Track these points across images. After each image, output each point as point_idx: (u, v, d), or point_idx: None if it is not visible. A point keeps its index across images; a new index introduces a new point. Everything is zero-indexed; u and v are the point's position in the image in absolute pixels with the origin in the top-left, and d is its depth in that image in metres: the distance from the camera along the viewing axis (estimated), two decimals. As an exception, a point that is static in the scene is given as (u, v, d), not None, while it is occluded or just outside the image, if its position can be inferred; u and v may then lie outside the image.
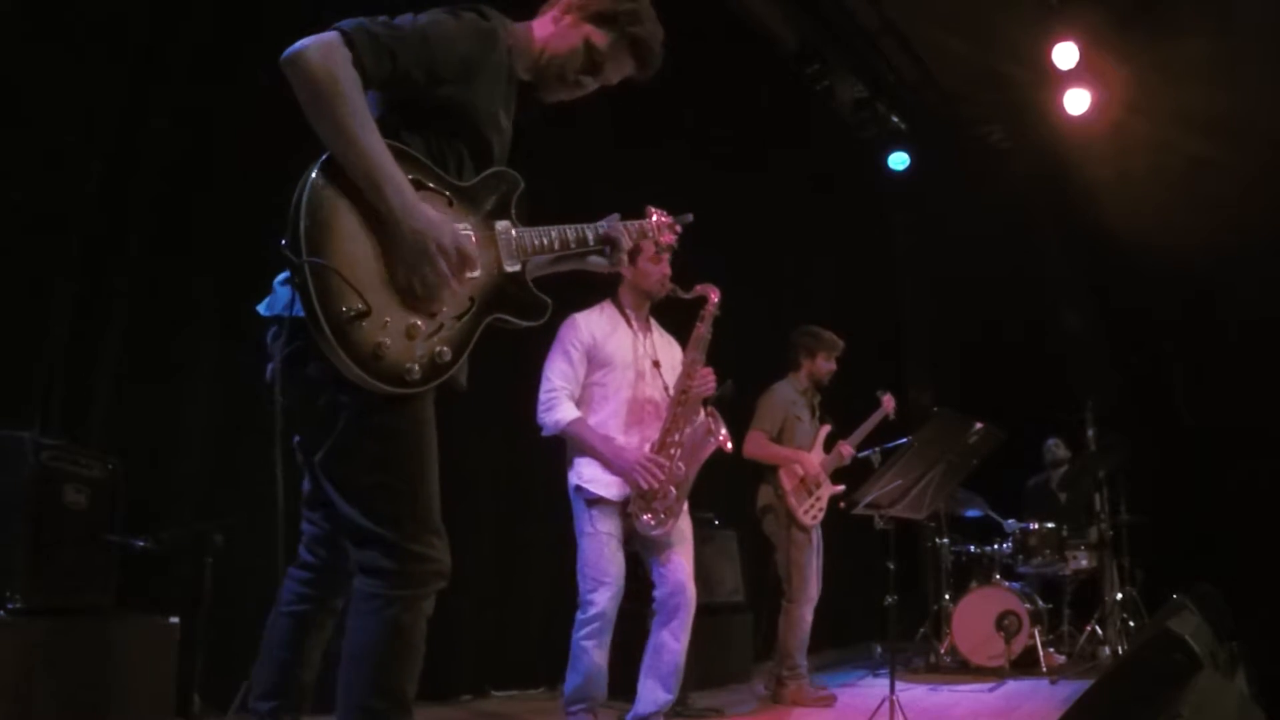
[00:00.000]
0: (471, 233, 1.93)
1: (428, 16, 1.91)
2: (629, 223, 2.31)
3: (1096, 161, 7.10)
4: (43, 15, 3.28)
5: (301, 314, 1.76)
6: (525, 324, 2.03)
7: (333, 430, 1.84)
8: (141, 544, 3.06)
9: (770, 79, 6.85)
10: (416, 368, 1.82)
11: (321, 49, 1.77)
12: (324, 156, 1.81)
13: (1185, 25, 6.13)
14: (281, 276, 1.93)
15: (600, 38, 2.12)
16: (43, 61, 3.28)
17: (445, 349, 1.87)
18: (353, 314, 1.74)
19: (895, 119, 7.78)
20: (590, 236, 2.19)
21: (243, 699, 2.09)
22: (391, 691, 1.82)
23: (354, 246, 1.79)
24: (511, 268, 2.00)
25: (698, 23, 5.97)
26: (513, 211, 2.05)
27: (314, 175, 1.78)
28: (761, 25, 6.75)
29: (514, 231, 2.02)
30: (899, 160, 8.08)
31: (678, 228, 2.55)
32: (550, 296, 2.08)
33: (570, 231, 2.15)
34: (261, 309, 1.97)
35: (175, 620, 3.04)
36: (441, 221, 1.83)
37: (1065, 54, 6.47)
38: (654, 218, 2.46)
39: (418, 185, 1.86)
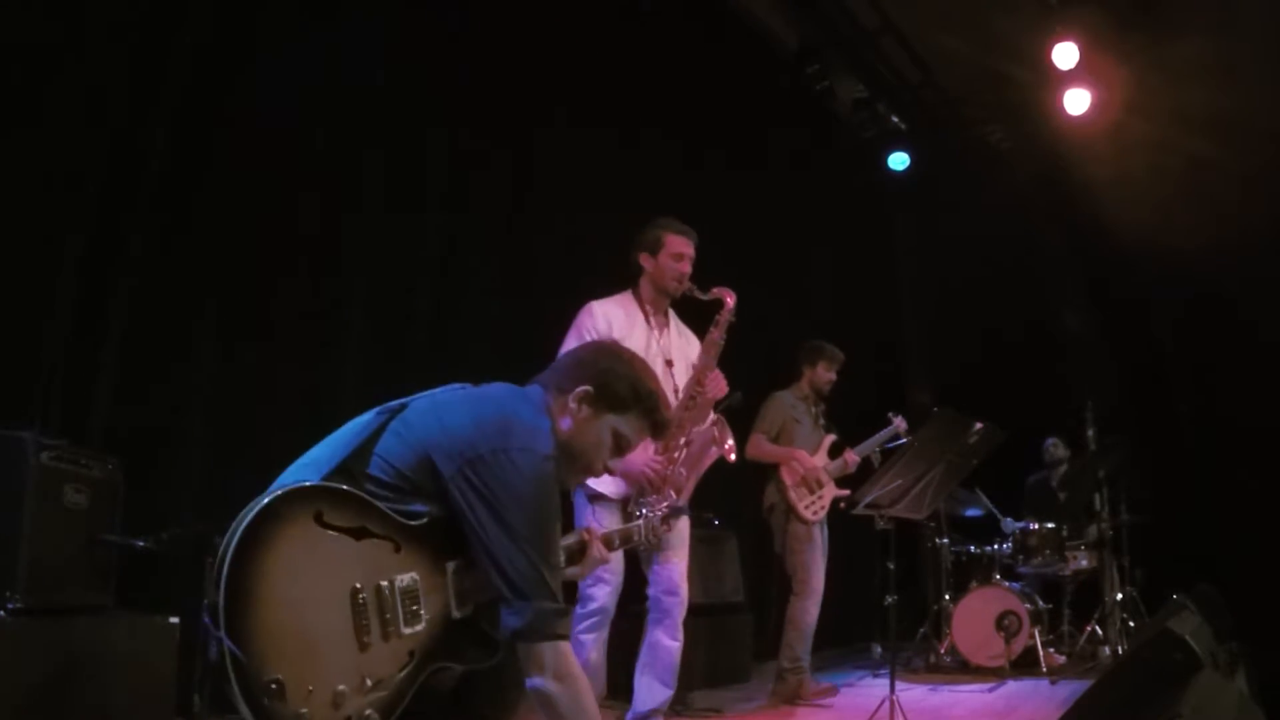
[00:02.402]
0: (419, 579, 1.86)
1: (537, 503, 1.89)
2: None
3: (1096, 161, 7.09)
4: (44, 15, 3.28)
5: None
6: (469, 668, 1.94)
7: None
8: (141, 544, 3.06)
9: (770, 79, 6.85)
10: None
11: (560, 677, 1.87)
12: (253, 509, 1.71)
13: (1185, 25, 6.12)
14: None
15: (625, 425, 2.08)
16: (43, 61, 3.28)
17: (372, 713, 1.75)
18: (272, 685, 1.65)
19: (895, 119, 7.77)
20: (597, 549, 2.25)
21: None
22: None
23: (280, 614, 1.69)
24: (460, 613, 1.92)
25: (697, 23, 5.97)
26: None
27: (240, 536, 1.68)
28: (761, 25, 6.75)
29: (466, 571, 1.93)
30: (899, 160, 8.07)
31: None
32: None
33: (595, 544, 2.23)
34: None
35: (175, 620, 3.03)
36: None
37: (1065, 54, 6.46)
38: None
39: (362, 533, 1.80)
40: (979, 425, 3.88)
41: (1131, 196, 6.75)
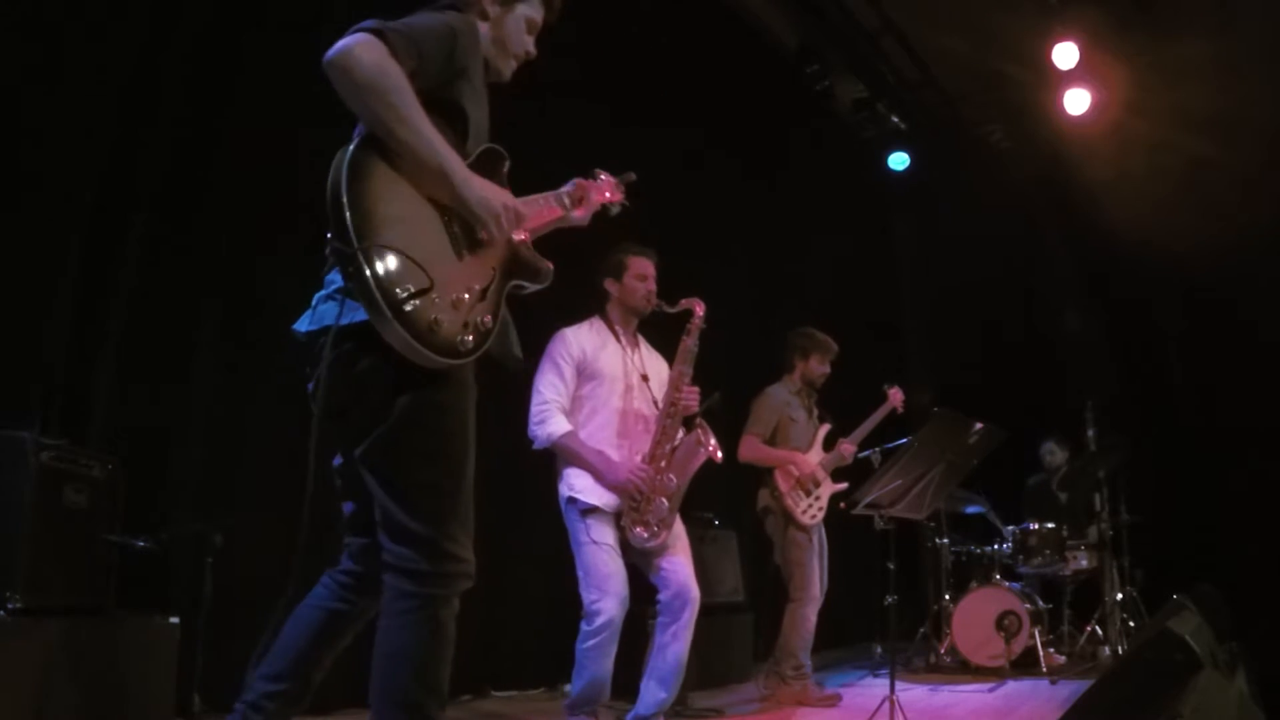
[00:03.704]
0: None
1: (421, 19, 2.04)
2: (588, 181, 2.59)
3: (1096, 161, 7.10)
4: (43, 15, 3.28)
5: (349, 321, 1.86)
6: (536, 287, 2.19)
7: (385, 425, 1.92)
8: (141, 544, 3.06)
9: (770, 79, 6.85)
10: (470, 338, 1.94)
11: (365, 46, 1.86)
12: (348, 150, 1.86)
13: (1185, 25, 6.13)
14: (321, 294, 2.01)
15: (529, 9, 2.36)
16: (43, 61, 3.28)
17: (486, 316, 2.00)
18: (408, 293, 1.82)
19: (895, 119, 7.78)
20: (566, 200, 2.46)
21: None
22: (432, 686, 1.91)
23: (394, 230, 1.86)
24: (519, 236, 2.17)
25: (697, 23, 5.97)
26: (506, 184, 2.18)
27: (344, 169, 1.84)
28: (761, 25, 6.75)
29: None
30: (899, 160, 8.07)
31: (622, 187, 2.77)
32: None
33: (552, 198, 2.42)
34: (300, 326, 2.04)
35: (175, 620, 3.04)
36: (496, 189, 2.00)
37: (1065, 54, 6.47)
38: (601, 177, 2.68)
39: None
40: (979, 425, 3.88)
41: (1131, 196, 6.76)
